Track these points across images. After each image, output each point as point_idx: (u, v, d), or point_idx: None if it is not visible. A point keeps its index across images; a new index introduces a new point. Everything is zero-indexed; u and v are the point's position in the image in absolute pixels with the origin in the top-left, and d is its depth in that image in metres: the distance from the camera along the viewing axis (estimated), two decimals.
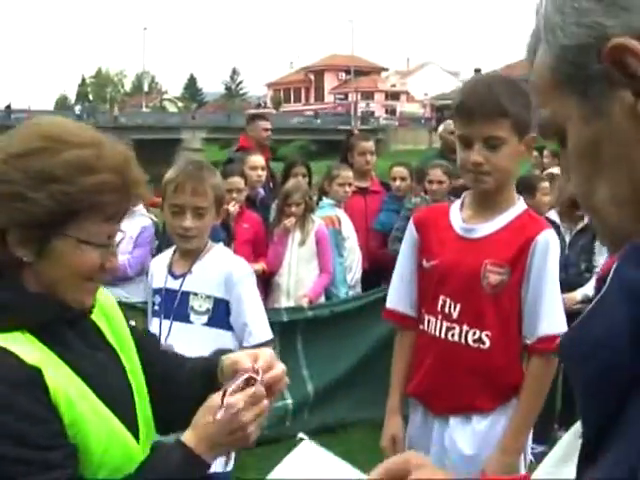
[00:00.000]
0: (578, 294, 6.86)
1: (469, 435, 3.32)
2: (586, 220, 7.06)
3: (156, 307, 4.02)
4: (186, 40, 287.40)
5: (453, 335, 3.29)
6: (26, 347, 1.81)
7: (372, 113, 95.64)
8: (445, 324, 3.31)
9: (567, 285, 6.78)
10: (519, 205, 3.35)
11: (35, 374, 1.78)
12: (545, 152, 12.75)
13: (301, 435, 1.94)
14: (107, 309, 2.13)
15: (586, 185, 1.12)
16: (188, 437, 1.95)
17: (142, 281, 7.33)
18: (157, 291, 4.03)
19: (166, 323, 3.94)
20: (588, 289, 6.94)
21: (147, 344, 2.26)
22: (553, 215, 7.21)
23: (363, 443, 6.57)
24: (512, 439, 3.25)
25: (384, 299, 6.84)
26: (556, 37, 1.12)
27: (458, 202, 3.43)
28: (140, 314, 6.33)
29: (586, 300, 6.86)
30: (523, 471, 3.28)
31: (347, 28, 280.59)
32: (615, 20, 1.05)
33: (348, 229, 7.53)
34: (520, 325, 3.28)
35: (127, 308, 6.55)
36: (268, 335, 3.92)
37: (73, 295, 1.93)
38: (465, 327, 3.27)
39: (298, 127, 73.14)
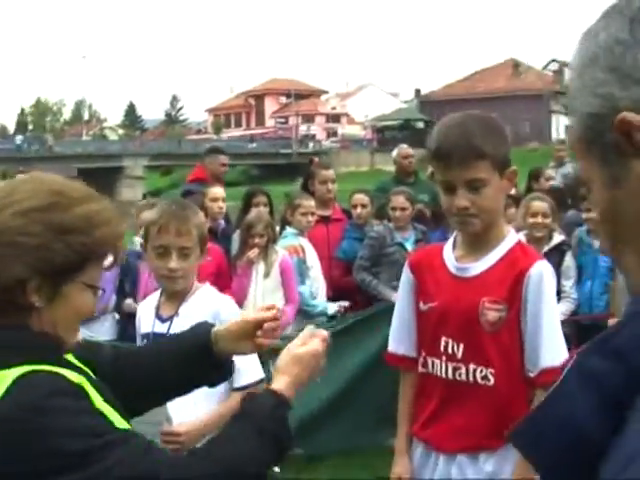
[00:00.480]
0: None
1: (477, 473, 3.28)
2: (552, 244, 7.11)
3: None
4: (125, 68, 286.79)
5: (461, 375, 3.27)
6: (63, 371, 1.98)
7: (313, 136, 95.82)
8: (451, 365, 3.29)
9: None
10: (510, 238, 3.34)
11: (81, 389, 1.98)
12: None
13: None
14: None
15: (613, 248, 1.17)
16: (278, 383, 2.26)
17: (107, 319, 7.24)
18: (145, 336, 3.93)
19: None
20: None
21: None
22: (521, 238, 7.23)
23: (334, 475, 6.54)
24: (522, 476, 3.19)
25: (352, 327, 6.92)
26: (577, 102, 1.15)
27: (450, 241, 3.43)
28: None
29: None
30: None
31: (287, 51, 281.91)
32: (626, 92, 1.08)
33: (312, 258, 7.48)
34: (523, 359, 3.26)
35: None
36: (259, 374, 3.84)
37: (68, 335, 2.09)
38: (472, 365, 3.25)
39: (240, 152, 72.94)
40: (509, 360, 3.24)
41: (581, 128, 1.14)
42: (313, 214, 7.57)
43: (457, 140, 3.11)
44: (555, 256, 7.07)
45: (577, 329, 7.26)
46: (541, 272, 3.22)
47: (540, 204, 7.23)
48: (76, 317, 2.10)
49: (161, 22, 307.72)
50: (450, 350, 3.28)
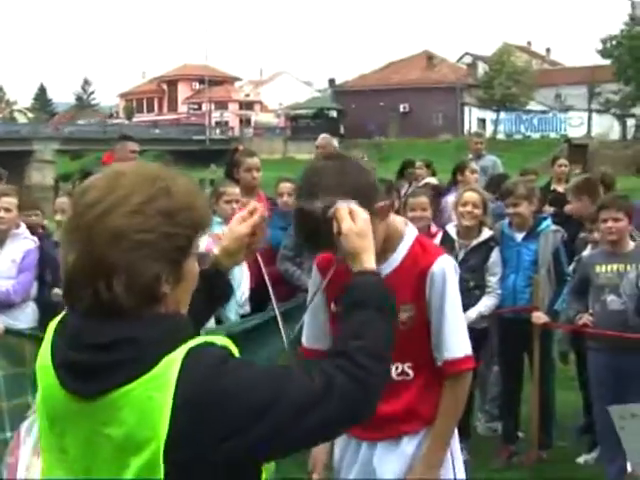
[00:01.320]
0: (472, 313, 7.00)
1: (398, 456, 3.41)
2: (481, 238, 7.15)
3: None
4: (36, 49, 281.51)
5: None
6: (210, 339, 2.05)
7: (226, 123, 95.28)
8: None
9: None
10: (408, 236, 3.37)
11: (229, 348, 2.05)
12: (418, 163, 12.87)
13: None
14: None
15: None
16: (365, 262, 2.49)
17: (28, 307, 7.04)
18: None
19: None
20: (481, 307, 7.04)
21: None
22: (451, 230, 7.28)
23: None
24: (431, 454, 3.36)
25: (274, 320, 6.82)
26: None
27: None
28: (29, 341, 6.04)
29: (479, 318, 6.99)
30: None
31: (201, 38, 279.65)
32: None
33: None
34: None
35: (14, 335, 6.29)
36: None
37: (185, 308, 2.15)
38: None
39: (152, 137, 72.14)
40: (426, 353, 3.35)
41: None
42: (237, 201, 7.49)
43: (312, 224, 2.90)
44: (482, 251, 7.14)
45: (500, 322, 7.33)
46: (442, 269, 3.29)
47: (471, 194, 7.32)
48: (192, 287, 2.16)
49: (73, 4, 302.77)
50: None
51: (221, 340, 2.06)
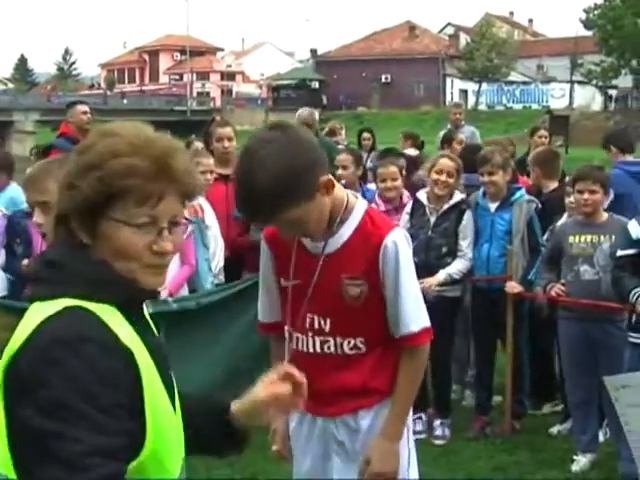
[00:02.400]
0: (441, 275, 7.03)
1: (356, 431, 3.42)
2: (452, 202, 7.13)
3: None
4: (16, 19, 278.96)
5: (329, 347, 3.34)
6: (118, 321, 1.95)
7: (208, 93, 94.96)
8: (318, 339, 3.35)
9: (427, 268, 6.84)
10: (358, 209, 3.26)
11: (128, 355, 1.91)
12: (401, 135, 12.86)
13: None
14: None
15: None
16: None
17: None
18: None
19: None
20: (452, 269, 7.02)
21: None
22: (421, 196, 7.25)
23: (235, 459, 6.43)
24: (391, 427, 3.35)
25: (249, 289, 6.81)
26: None
27: None
28: None
29: (449, 281, 6.98)
30: (405, 457, 3.44)
31: (182, 7, 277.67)
32: None
33: (210, 218, 7.35)
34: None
35: None
36: None
37: (133, 274, 2.04)
38: (339, 339, 3.32)
39: (133, 108, 71.68)
40: (378, 327, 3.32)
41: None
42: (212, 172, 7.45)
43: (253, 211, 2.97)
44: (454, 214, 7.12)
45: (473, 292, 7.33)
46: (395, 242, 3.21)
47: (448, 162, 7.27)
48: (122, 256, 2.03)
49: None
50: (317, 325, 3.33)
51: (129, 341, 1.94)
